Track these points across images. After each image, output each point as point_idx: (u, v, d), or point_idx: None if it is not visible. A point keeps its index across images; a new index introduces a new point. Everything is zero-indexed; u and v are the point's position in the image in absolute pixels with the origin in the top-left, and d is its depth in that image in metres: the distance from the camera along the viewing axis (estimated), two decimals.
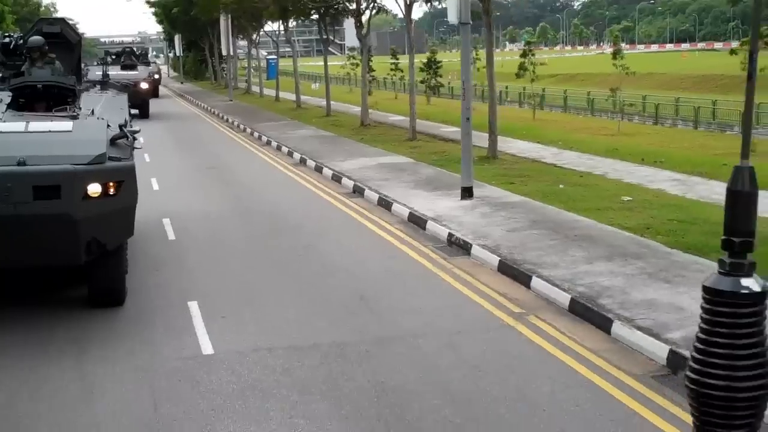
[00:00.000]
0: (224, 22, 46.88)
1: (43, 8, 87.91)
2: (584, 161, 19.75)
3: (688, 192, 15.37)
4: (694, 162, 18.85)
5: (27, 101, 10.44)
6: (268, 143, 26.59)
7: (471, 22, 15.43)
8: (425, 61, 46.05)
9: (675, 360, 7.52)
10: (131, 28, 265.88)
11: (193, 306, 9.68)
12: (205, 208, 15.86)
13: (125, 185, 8.88)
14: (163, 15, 73.21)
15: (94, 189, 8.52)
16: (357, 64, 44.44)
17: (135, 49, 51.83)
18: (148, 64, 48.88)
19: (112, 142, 9.02)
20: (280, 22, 42.36)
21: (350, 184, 17.73)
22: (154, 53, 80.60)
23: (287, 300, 9.97)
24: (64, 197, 8.35)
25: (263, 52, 74.98)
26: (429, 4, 28.45)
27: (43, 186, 8.28)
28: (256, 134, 29.09)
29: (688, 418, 5.63)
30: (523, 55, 35.97)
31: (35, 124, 9.08)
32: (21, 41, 12.05)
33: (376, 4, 29.61)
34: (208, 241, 13.06)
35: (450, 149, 21.59)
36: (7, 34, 12.81)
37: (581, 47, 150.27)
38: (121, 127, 9.46)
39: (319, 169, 20.25)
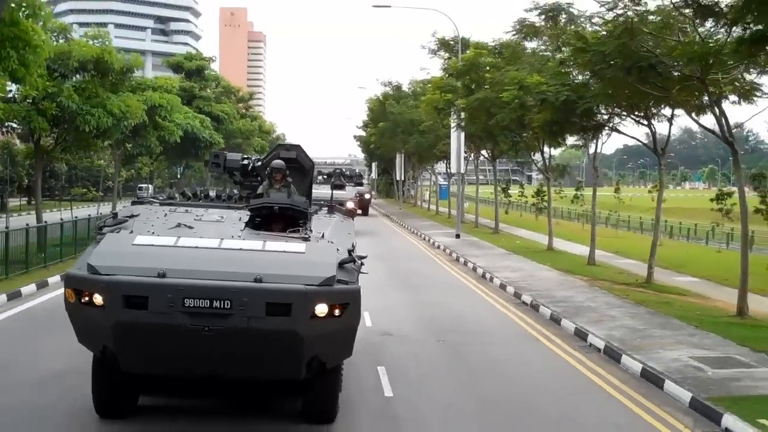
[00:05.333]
0: (398, 158, 72.81)
1: (277, 136, 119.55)
2: (538, 237, 41.60)
3: (554, 244, 37.11)
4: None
5: (263, 221, 10.82)
6: (405, 228, 50.47)
7: (462, 173, 38.71)
8: (536, 190, 67.58)
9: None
10: (343, 150, 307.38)
11: None
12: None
13: (350, 308, 9.14)
14: (365, 146, 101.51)
15: (322, 309, 8.81)
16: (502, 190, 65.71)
17: (344, 170, 74.40)
18: (361, 184, 62.96)
19: (341, 265, 9.31)
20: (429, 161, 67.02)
21: (423, 236, 41.36)
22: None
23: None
24: (294, 315, 8.70)
25: (440, 179, 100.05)
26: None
27: (276, 303, 8.67)
28: (401, 223, 53.45)
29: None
30: (576, 190, 58.32)
31: (271, 243, 9.53)
32: (258, 163, 12.90)
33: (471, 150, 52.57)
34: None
35: (484, 230, 44.52)
36: (245, 156, 13.60)
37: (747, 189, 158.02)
38: (349, 251, 9.86)
39: (416, 234, 44.05)
